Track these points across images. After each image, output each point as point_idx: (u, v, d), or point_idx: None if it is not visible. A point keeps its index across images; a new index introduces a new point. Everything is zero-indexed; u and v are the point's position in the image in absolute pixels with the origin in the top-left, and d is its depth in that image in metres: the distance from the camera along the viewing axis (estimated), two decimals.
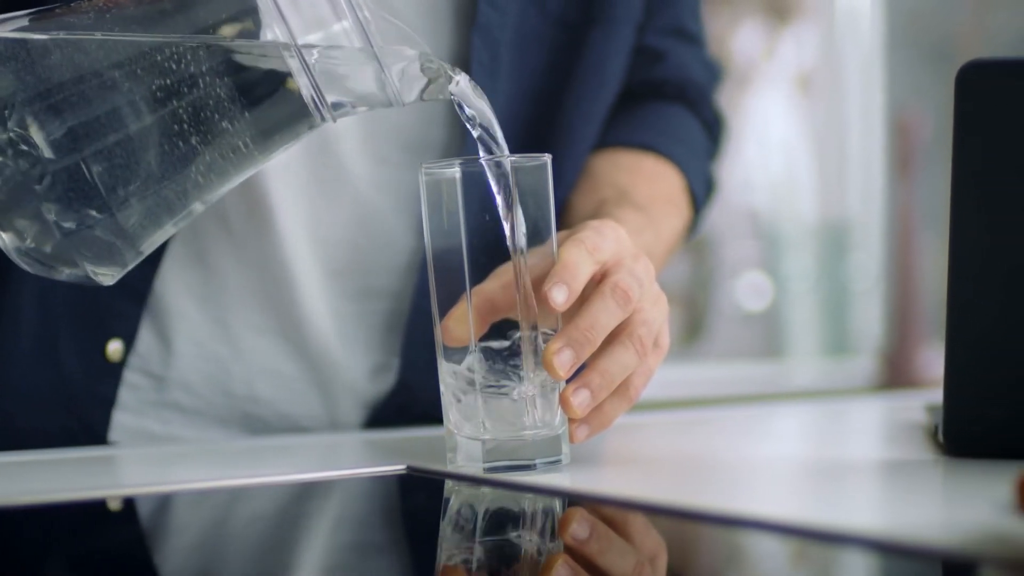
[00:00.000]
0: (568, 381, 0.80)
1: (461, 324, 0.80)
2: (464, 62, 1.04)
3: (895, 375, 3.28)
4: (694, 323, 3.36)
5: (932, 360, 3.20)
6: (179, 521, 0.73)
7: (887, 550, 0.58)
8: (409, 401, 1.06)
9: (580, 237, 0.82)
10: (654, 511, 0.69)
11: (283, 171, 1.01)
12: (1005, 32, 3.68)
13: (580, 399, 0.79)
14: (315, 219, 1.02)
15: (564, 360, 0.79)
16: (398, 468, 0.83)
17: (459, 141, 1.05)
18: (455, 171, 0.79)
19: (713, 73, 1.23)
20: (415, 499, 0.78)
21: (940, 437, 0.80)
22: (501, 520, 0.70)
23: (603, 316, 0.80)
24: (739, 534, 0.64)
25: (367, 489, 0.80)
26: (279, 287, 1.02)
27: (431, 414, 1.05)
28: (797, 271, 3.50)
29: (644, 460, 0.87)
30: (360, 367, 1.05)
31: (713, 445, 0.96)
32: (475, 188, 0.79)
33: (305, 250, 1.02)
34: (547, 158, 0.81)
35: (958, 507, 0.68)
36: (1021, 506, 0.55)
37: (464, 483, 0.78)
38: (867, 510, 0.70)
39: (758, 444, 0.99)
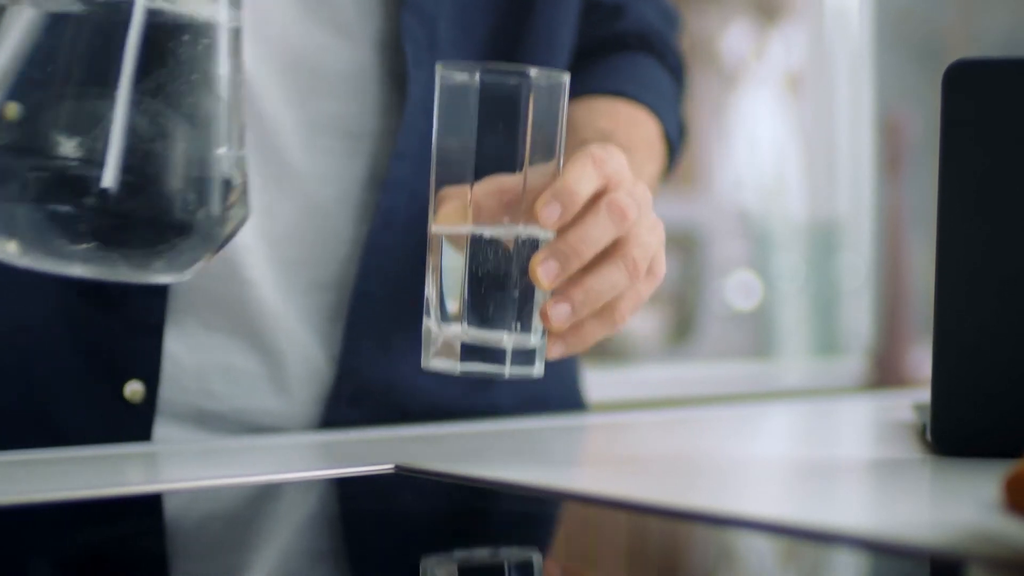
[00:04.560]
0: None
1: (457, 214, 0.80)
2: (395, 41, 1.03)
3: (884, 374, 3.28)
4: (683, 322, 3.36)
5: (921, 359, 3.20)
6: (161, 522, 0.73)
7: (875, 549, 0.58)
8: (359, 391, 1.05)
9: (587, 151, 0.81)
10: (643, 510, 0.69)
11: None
12: (992, 32, 3.69)
13: (559, 312, 0.79)
14: (262, 213, 1.01)
15: (549, 269, 0.78)
16: (386, 467, 0.83)
17: (395, 129, 1.04)
18: (475, 77, 0.79)
19: (671, 20, 1.22)
20: (404, 499, 0.78)
21: (928, 436, 0.80)
22: (490, 519, 0.70)
23: (594, 230, 0.79)
24: (728, 533, 0.64)
25: (355, 489, 0.79)
26: (228, 282, 1.01)
27: (385, 403, 1.04)
28: (786, 270, 3.50)
29: (633, 459, 0.87)
30: (313, 361, 1.04)
31: (702, 444, 0.96)
32: (490, 96, 0.79)
33: (253, 245, 1.01)
34: (566, 77, 0.81)
35: (946, 506, 0.68)
36: (1008, 505, 0.55)
37: (453, 482, 0.78)
38: (856, 509, 0.70)
39: (747, 443, 0.99)
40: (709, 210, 3.38)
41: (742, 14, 3.48)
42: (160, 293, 0.99)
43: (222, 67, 0.77)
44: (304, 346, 1.04)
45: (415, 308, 1.06)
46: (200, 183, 0.76)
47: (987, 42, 3.63)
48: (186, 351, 1.02)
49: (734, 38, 3.47)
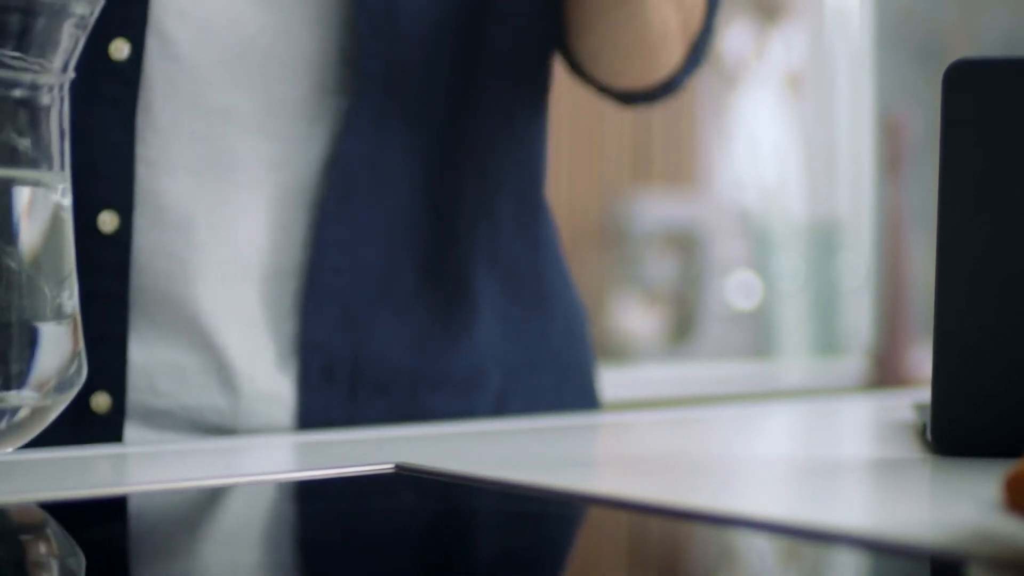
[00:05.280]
0: None
1: None
2: (350, 13, 1.02)
3: (884, 374, 3.28)
4: (684, 322, 3.37)
5: (921, 359, 3.20)
6: (150, 522, 0.73)
7: (875, 548, 0.58)
8: (328, 367, 1.03)
9: None
10: (643, 510, 0.69)
11: (174, 166, 0.98)
12: (993, 31, 3.69)
13: None
14: (213, 208, 1.00)
15: None
16: (386, 467, 0.83)
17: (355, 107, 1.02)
18: None
19: None
20: (405, 499, 0.78)
21: (928, 436, 0.80)
22: (492, 520, 0.70)
23: None
24: (728, 533, 0.64)
25: (355, 488, 0.79)
26: (178, 281, 0.99)
27: (358, 378, 1.04)
28: (787, 270, 3.50)
29: (633, 459, 0.87)
30: (265, 355, 1.02)
31: (702, 444, 0.96)
32: None
33: (205, 240, 1.00)
34: None
35: (946, 505, 0.68)
36: (1008, 504, 0.55)
37: (455, 482, 0.78)
38: (855, 509, 0.70)
39: (747, 443, 0.99)
40: (709, 210, 3.38)
41: (742, 14, 3.48)
42: (121, 300, 0.98)
43: (19, 231, 0.74)
44: (255, 340, 1.02)
45: (377, 279, 1.05)
46: None
47: (987, 42, 3.63)
48: (134, 348, 1.00)
49: (734, 38, 3.47)
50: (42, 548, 0.65)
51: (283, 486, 0.79)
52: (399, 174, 1.05)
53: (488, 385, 1.10)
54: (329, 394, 1.04)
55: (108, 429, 0.99)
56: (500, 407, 1.11)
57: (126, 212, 0.98)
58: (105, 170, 0.97)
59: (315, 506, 0.76)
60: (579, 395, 1.18)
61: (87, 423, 0.98)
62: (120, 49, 0.97)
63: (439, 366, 1.08)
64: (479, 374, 1.10)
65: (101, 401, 0.98)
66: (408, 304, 1.06)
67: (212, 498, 0.76)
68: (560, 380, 1.16)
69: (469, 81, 1.08)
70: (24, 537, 0.68)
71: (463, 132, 1.08)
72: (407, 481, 0.80)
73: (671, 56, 1.12)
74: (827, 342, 3.53)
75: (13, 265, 0.74)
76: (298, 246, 1.02)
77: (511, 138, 1.12)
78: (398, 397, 1.06)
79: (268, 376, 1.02)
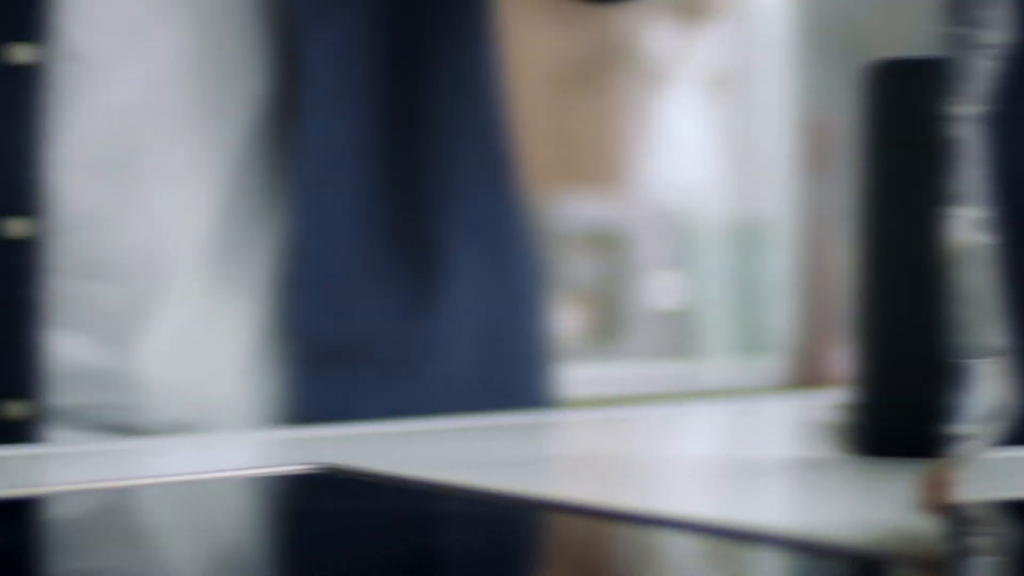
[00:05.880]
0: None
1: None
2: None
3: (807, 374, 3.31)
4: (607, 322, 3.37)
5: (844, 359, 3.23)
6: (57, 524, 0.72)
7: (797, 548, 0.58)
8: (314, 351, 1.02)
9: None
10: (568, 511, 0.69)
11: (79, 166, 0.96)
12: (917, 31, 3.73)
13: None
14: (122, 206, 0.97)
15: None
16: (314, 467, 0.82)
17: (281, 91, 1.00)
18: None
19: None
20: (330, 501, 0.77)
21: (850, 436, 0.81)
22: (420, 522, 0.70)
23: None
24: (651, 533, 0.63)
25: (276, 489, 0.79)
26: (80, 280, 0.98)
27: (342, 359, 1.04)
28: (710, 270, 3.51)
29: (557, 459, 0.86)
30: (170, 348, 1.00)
31: (627, 444, 0.96)
32: None
33: (110, 241, 0.99)
34: None
35: (867, 505, 0.68)
36: (926, 504, 0.56)
37: (385, 483, 0.78)
38: (777, 508, 0.71)
39: (670, 443, 0.99)
40: (632, 210, 3.39)
41: (665, 13, 3.50)
42: (33, 307, 0.96)
43: None
44: (181, 337, 1.00)
45: (354, 257, 1.05)
46: None
47: (912, 42, 3.67)
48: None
49: (657, 37, 3.48)
50: None
51: (202, 485, 0.79)
52: (356, 150, 1.04)
53: (472, 344, 1.10)
54: (324, 381, 1.02)
55: (24, 438, 0.97)
56: (484, 366, 1.10)
57: (34, 217, 0.97)
58: (9, 176, 0.96)
59: (235, 506, 0.76)
60: (548, 347, 1.19)
61: (2, 432, 0.96)
62: (19, 53, 0.95)
63: (426, 334, 1.07)
64: (462, 335, 1.09)
65: (14, 410, 0.97)
66: (388, 276, 1.05)
67: (123, 499, 0.75)
68: (533, 330, 1.16)
69: (410, 44, 1.07)
70: None
71: (412, 99, 1.07)
72: (333, 482, 0.79)
73: None
74: (751, 342, 3.55)
75: None
76: (252, 236, 1.01)
77: (463, 97, 1.11)
78: (393, 372, 1.05)
79: (177, 369, 1.01)
